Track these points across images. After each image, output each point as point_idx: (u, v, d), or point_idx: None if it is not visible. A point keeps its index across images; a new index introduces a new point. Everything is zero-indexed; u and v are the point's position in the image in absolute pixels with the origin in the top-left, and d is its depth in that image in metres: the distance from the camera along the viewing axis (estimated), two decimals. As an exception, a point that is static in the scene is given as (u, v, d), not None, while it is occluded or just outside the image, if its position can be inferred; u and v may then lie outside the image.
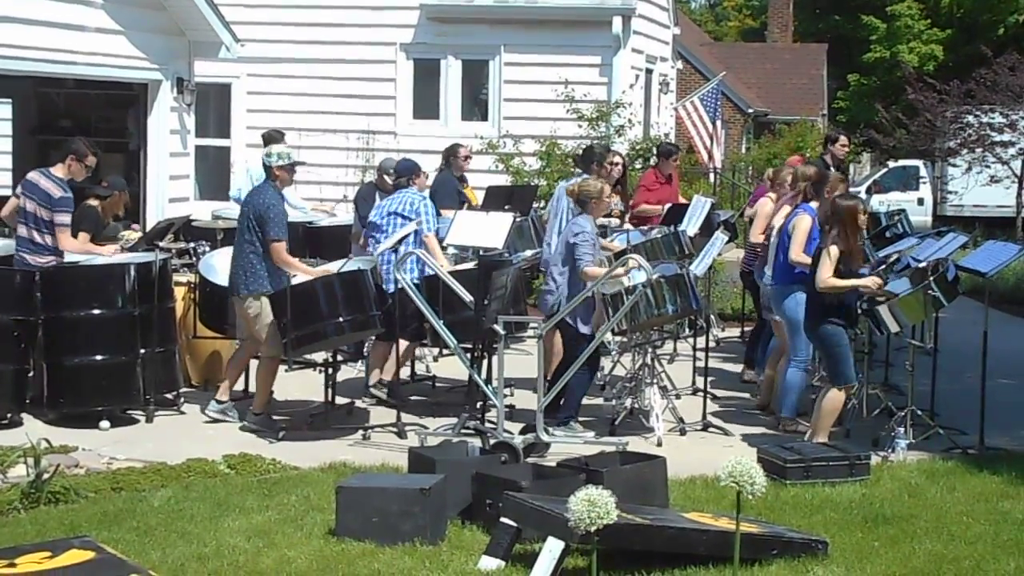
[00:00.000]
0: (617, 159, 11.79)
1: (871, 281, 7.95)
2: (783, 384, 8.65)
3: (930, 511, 6.71)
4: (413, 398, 9.40)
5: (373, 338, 9.37)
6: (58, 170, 8.80)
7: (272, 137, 11.98)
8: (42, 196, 8.66)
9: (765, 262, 9.19)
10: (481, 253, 8.58)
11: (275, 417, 8.69)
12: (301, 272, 8.30)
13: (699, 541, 5.69)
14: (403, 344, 9.08)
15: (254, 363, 9.18)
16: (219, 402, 8.51)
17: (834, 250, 7.65)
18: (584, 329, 8.18)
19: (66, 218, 8.68)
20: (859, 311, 8.21)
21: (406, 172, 9.39)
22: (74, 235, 9.18)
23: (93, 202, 9.75)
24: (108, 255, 8.92)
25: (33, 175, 8.86)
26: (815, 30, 38.84)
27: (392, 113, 15.84)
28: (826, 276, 7.66)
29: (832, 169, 9.95)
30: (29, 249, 8.69)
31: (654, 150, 14.92)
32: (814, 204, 8.43)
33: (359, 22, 15.66)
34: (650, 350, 8.83)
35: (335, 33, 15.70)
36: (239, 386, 8.92)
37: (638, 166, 14.45)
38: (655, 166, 12.55)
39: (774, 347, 9.26)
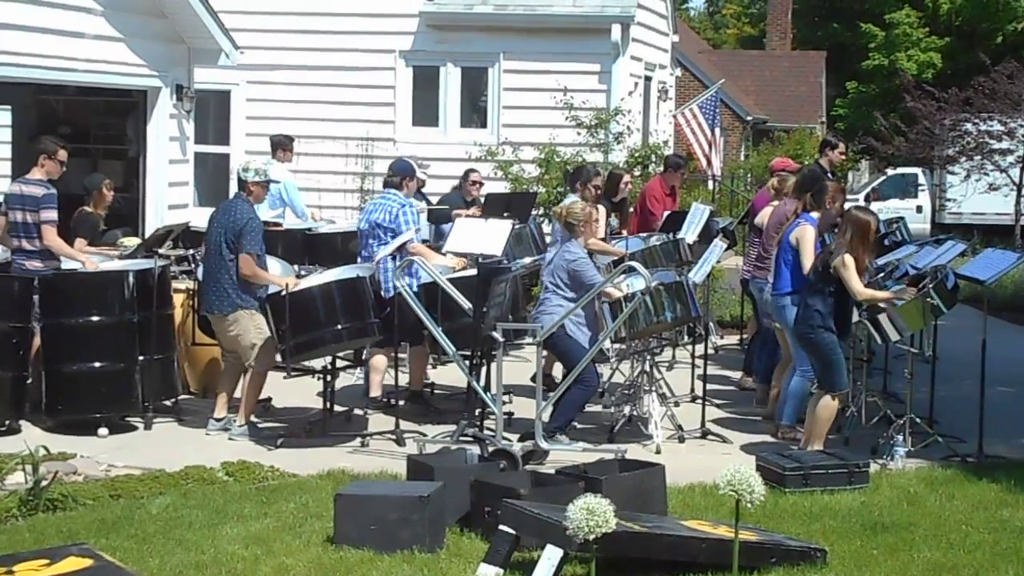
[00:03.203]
0: (627, 179, 11.82)
1: (905, 293, 8.02)
2: (786, 391, 8.64)
3: (929, 519, 6.70)
4: (411, 405, 9.37)
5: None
6: (35, 174, 8.81)
7: (280, 142, 12.03)
8: (28, 202, 8.65)
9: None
10: (480, 260, 8.58)
11: (273, 424, 8.69)
12: (270, 283, 8.23)
13: (698, 549, 5.68)
14: (408, 350, 9.12)
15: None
16: (217, 419, 8.47)
17: (848, 259, 7.65)
18: (582, 337, 8.18)
19: (51, 214, 8.67)
20: (860, 319, 8.23)
21: (400, 173, 9.31)
22: (70, 241, 9.19)
23: (89, 208, 9.76)
24: (88, 266, 8.82)
25: (13, 187, 8.89)
26: (814, 38, 38.89)
27: (391, 120, 15.84)
28: (861, 287, 7.70)
29: (829, 175, 9.96)
30: (25, 256, 8.70)
31: (654, 158, 14.94)
32: (815, 214, 8.42)
33: (358, 29, 15.67)
34: (649, 357, 8.83)
35: (334, 40, 15.70)
36: (262, 394, 8.83)
37: (636, 173, 14.45)
38: (661, 175, 12.51)
39: (781, 356, 9.20)
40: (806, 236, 8.28)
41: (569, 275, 8.20)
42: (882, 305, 8.15)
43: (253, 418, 8.45)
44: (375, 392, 9.31)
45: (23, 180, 8.83)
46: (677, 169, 12.40)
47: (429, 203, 11.72)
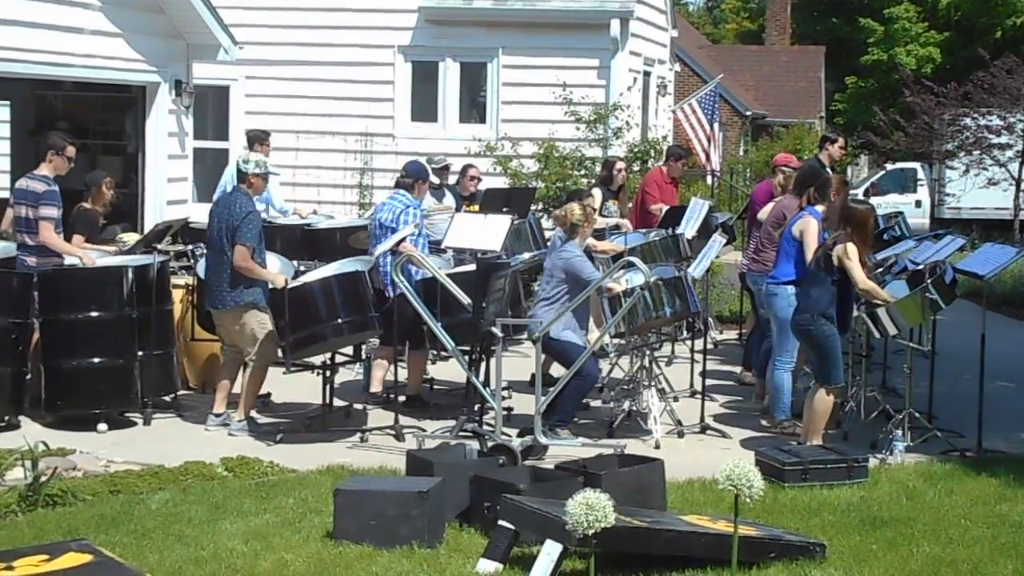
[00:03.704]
0: (621, 164, 11.84)
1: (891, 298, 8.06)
2: (771, 386, 8.65)
3: (928, 514, 6.71)
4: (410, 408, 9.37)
5: (376, 342, 9.40)
6: (42, 169, 8.82)
7: (257, 137, 11.98)
8: (30, 197, 8.67)
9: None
10: (479, 255, 8.58)
11: (273, 420, 8.70)
12: (262, 278, 8.23)
13: (697, 544, 5.69)
14: (405, 352, 9.12)
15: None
16: (216, 415, 8.48)
17: (851, 248, 7.65)
18: (575, 338, 8.21)
19: (50, 211, 8.64)
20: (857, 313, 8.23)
21: (413, 175, 9.25)
22: (68, 237, 9.19)
23: (88, 205, 9.76)
24: (86, 261, 8.80)
25: (21, 182, 8.90)
26: (813, 33, 38.88)
27: (390, 115, 15.83)
28: (863, 276, 7.69)
29: (828, 170, 9.97)
30: (28, 253, 8.72)
31: (653, 152, 14.95)
32: (819, 208, 8.43)
33: (357, 24, 15.66)
34: (648, 353, 8.83)
35: (333, 35, 15.69)
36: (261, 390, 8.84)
37: (636, 168, 14.46)
38: (664, 164, 12.54)
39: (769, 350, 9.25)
40: (810, 229, 8.28)
41: (566, 273, 8.23)
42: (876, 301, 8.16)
43: (253, 413, 8.46)
44: (376, 388, 9.32)
45: (30, 175, 8.84)
46: (678, 160, 12.42)
47: (456, 196, 11.65)
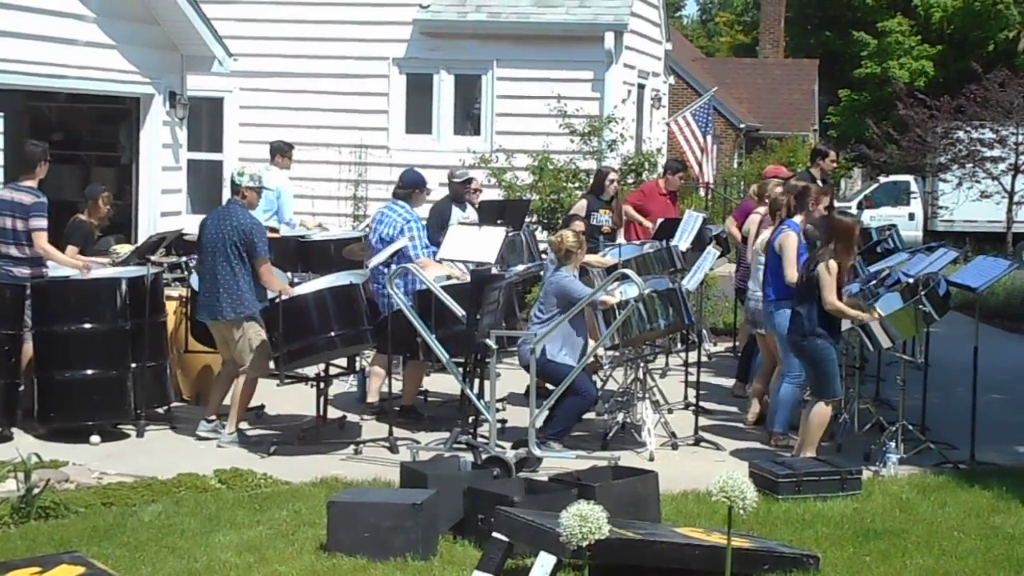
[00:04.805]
0: (613, 175, 11.88)
1: (870, 317, 8.00)
2: (776, 399, 8.65)
3: (921, 526, 6.72)
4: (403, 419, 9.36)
5: (373, 352, 9.39)
6: (26, 180, 8.77)
7: (279, 148, 12.06)
8: (17, 209, 8.62)
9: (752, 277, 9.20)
10: (473, 268, 8.58)
11: (266, 432, 8.69)
12: (282, 290, 8.26)
13: (691, 556, 5.69)
14: (400, 364, 9.10)
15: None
16: (208, 421, 8.47)
17: (833, 266, 7.65)
18: (570, 360, 8.22)
19: (41, 222, 8.59)
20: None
21: (410, 185, 9.30)
22: (63, 248, 9.17)
23: (84, 217, 9.76)
24: (81, 272, 8.77)
25: (4, 192, 8.85)
26: (806, 46, 38.97)
27: (385, 128, 15.85)
28: (833, 297, 7.67)
29: (820, 183, 10.00)
30: (12, 263, 8.64)
31: (647, 164, 14.97)
32: (797, 219, 8.46)
33: (352, 36, 15.68)
34: (642, 365, 8.84)
35: (328, 47, 15.71)
36: (254, 402, 8.84)
37: (630, 181, 14.49)
38: (662, 178, 12.61)
39: (761, 361, 9.28)
40: (788, 243, 8.31)
41: (558, 296, 8.25)
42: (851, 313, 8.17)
43: (243, 425, 8.44)
44: (372, 398, 9.32)
45: (14, 186, 8.81)
46: (676, 173, 12.49)
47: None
